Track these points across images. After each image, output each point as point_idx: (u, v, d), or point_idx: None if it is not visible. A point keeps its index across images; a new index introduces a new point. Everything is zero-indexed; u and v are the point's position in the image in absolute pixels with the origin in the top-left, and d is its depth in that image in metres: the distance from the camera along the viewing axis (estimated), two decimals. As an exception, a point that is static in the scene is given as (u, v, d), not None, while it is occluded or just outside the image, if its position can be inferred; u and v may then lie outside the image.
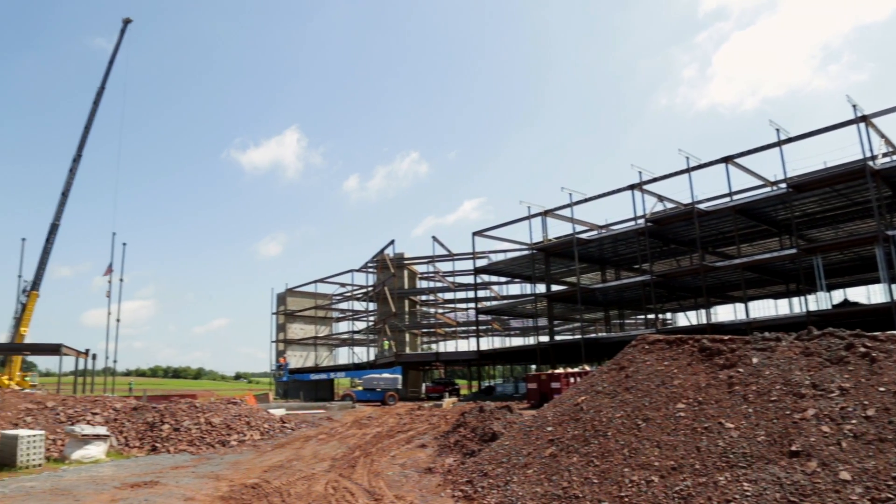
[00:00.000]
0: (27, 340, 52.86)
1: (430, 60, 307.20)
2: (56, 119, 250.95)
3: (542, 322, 68.18)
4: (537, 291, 61.27)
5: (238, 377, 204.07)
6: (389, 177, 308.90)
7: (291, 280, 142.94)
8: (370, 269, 79.20)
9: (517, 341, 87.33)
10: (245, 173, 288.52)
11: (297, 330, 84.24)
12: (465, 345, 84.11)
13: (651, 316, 60.52)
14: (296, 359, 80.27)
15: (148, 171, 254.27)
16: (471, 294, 74.26)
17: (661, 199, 48.72)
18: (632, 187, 49.28)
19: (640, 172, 48.60)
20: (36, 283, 53.93)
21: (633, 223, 51.00)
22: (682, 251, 54.55)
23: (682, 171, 45.89)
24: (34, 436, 25.07)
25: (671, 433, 12.10)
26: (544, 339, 64.14)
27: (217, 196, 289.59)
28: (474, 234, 61.32)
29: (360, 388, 53.22)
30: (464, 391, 67.80)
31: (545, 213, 55.80)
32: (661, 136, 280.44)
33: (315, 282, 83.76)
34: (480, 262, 64.81)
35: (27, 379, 56.23)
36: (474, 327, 71.44)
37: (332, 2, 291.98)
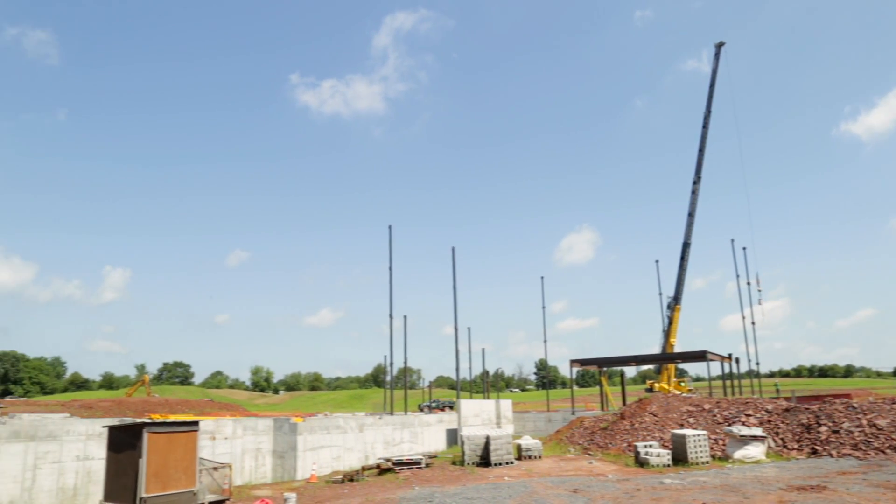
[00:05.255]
0: (676, 350, 58.45)
1: None
2: (672, 142, 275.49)
3: None
4: None
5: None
6: None
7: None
8: None
9: None
10: (863, 143, 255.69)
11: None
12: None
13: None
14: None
15: (757, 171, 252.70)
16: None
17: None
18: None
19: None
20: (677, 298, 59.61)
21: None
22: None
23: None
24: (698, 435, 27.38)
25: None
26: None
27: (833, 177, 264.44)
28: None
29: None
30: None
31: None
32: None
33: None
34: None
35: (682, 384, 61.94)
36: None
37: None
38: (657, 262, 64.71)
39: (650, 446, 28.42)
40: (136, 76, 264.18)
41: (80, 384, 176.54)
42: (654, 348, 60.65)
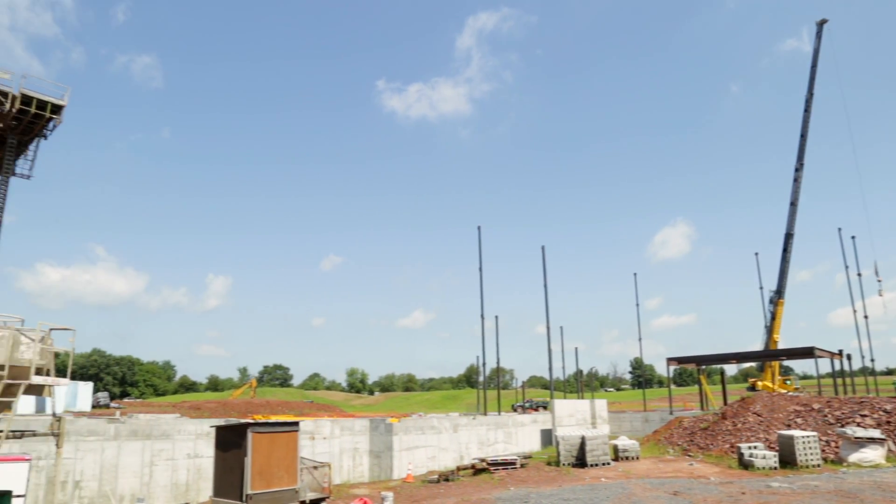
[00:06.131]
0: (780, 346, 55.69)
1: None
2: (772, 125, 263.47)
3: None
4: None
5: None
6: None
7: None
8: None
9: None
10: None
11: None
12: None
13: None
14: None
15: (867, 155, 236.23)
16: None
17: None
18: None
19: None
20: (780, 292, 56.83)
21: None
22: None
23: None
24: (808, 437, 25.99)
25: None
26: None
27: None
28: None
29: None
30: None
31: None
32: None
33: None
34: None
35: (788, 382, 58.94)
36: None
37: None
38: (756, 254, 61.96)
39: (755, 448, 27.22)
40: (231, 90, 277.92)
41: (188, 386, 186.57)
42: (756, 345, 58.26)
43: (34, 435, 14.13)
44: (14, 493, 14.43)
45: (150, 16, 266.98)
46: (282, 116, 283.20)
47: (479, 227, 50.17)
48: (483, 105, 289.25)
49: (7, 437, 12.15)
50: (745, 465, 25.89)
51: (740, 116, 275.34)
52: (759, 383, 56.55)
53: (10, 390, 11.93)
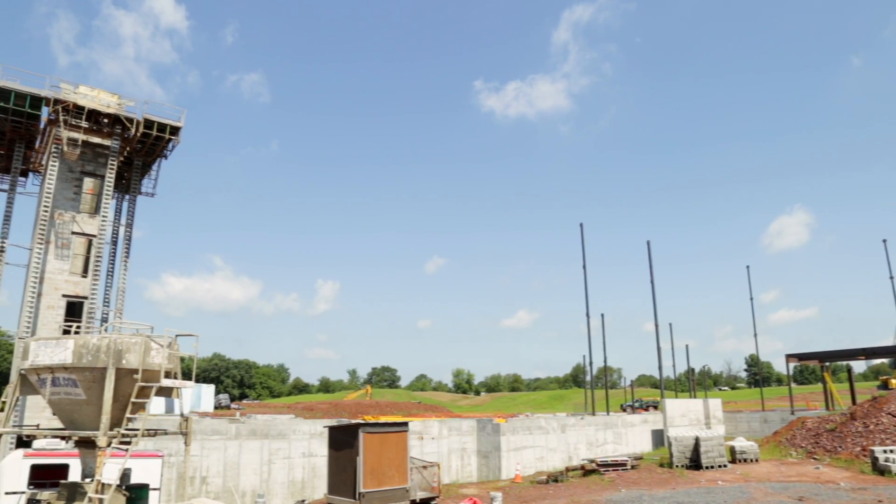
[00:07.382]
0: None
1: None
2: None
3: None
4: None
5: None
6: None
7: None
8: None
9: None
10: None
11: None
12: None
13: None
14: None
15: None
16: None
17: None
18: None
19: None
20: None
21: None
22: None
23: None
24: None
25: None
26: None
27: None
28: None
29: None
30: None
31: None
32: None
33: None
34: None
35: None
36: None
37: None
38: (885, 241, 57.38)
39: (891, 451, 25.26)
40: (332, 96, 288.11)
41: (301, 388, 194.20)
42: (888, 340, 53.97)
43: (165, 433, 15.17)
44: (150, 486, 15.57)
45: (256, 35, 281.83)
46: (382, 120, 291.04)
47: (581, 225, 49.56)
48: (582, 100, 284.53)
49: (142, 436, 13.12)
50: (881, 470, 24.09)
51: (863, 91, 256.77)
52: (893, 381, 52.60)
53: (144, 392, 12.87)
